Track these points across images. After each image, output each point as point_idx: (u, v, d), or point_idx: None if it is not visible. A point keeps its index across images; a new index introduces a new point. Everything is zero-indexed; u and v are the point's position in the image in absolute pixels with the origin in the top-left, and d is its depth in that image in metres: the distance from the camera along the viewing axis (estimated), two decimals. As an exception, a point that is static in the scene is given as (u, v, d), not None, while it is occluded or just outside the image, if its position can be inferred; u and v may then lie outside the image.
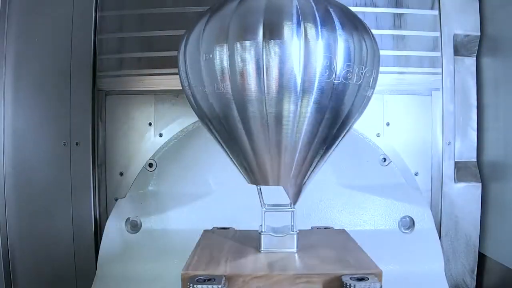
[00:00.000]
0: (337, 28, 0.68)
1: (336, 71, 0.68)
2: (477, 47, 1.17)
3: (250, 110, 0.68)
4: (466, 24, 1.17)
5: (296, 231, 0.77)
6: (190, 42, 0.72)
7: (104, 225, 1.08)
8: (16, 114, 1.14)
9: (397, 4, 1.17)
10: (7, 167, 1.13)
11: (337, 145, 0.77)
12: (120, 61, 1.15)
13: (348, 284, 0.62)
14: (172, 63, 1.13)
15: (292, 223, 0.77)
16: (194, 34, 0.71)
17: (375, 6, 1.17)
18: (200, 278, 0.64)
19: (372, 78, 0.74)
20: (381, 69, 1.14)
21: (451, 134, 1.19)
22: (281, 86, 0.66)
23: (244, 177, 0.78)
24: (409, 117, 1.19)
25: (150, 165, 1.14)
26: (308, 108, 0.68)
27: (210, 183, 1.12)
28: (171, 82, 1.13)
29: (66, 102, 1.13)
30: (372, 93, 0.77)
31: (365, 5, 1.17)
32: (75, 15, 1.14)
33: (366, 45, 0.71)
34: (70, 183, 1.13)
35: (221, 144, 0.78)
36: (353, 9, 0.81)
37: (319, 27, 0.67)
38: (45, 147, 1.14)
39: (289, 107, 0.68)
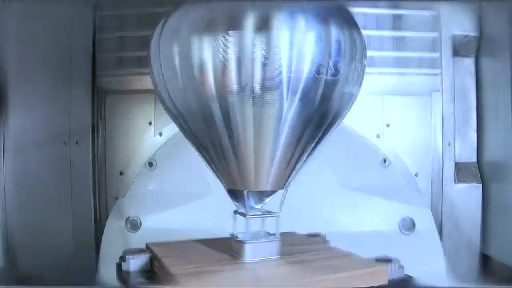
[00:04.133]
0: (327, 19, 0.63)
1: (325, 66, 0.63)
2: (476, 48, 1.18)
3: (231, 109, 0.64)
4: (465, 24, 1.18)
5: (279, 238, 0.73)
6: (164, 32, 0.67)
7: (104, 225, 1.07)
8: (16, 114, 1.13)
9: (397, 5, 1.18)
10: (7, 167, 1.13)
11: (318, 146, 0.73)
12: (120, 60, 1.15)
13: None
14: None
15: (264, 229, 0.75)
16: (170, 23, 0.66)
17: (375, 7, 1.17)
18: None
19: (360, 75, 0.70)
20: (381, 70, 1.17)
21: (451, 135, 1.19)
22: (265, 83, 0.62)
23: (221, 181, 0.74)
24: (409, 118, 1.19)
25: (150, 164, 1.14)
26: (293, 105, 0.64)
27: (210, 183, 1.11)
28: (171, 82, 1.13)
29: (65, 101, 1.13)
30: (358, 91, 0.73)
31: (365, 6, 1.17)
32: (75, 14, 1.14)
33: (356, 39, 0.67)
34: (70, 182, 1.13)
35: (196, 146, 0.74)
36: (354, 9, 0.80)
37: (308, 18, 0.62)
38: (45, 147, 1.13)
39: (273, 105, 0.63)
